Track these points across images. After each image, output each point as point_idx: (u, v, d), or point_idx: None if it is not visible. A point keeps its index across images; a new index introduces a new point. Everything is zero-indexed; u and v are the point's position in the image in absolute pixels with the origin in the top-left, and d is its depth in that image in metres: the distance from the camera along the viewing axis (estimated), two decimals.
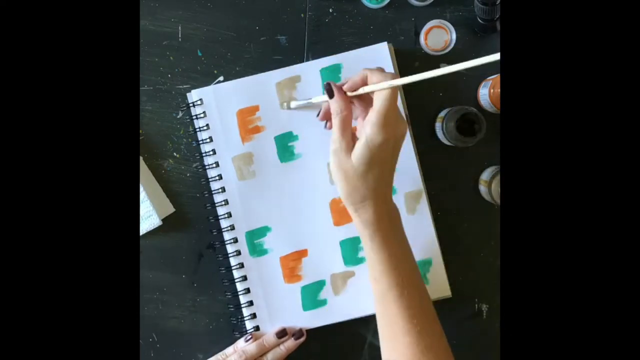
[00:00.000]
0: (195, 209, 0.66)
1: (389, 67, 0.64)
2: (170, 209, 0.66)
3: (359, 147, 0.52)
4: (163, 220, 0.65)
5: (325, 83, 0.56)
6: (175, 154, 0.66)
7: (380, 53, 0.64)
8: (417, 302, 0.55)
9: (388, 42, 0.65)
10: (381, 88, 0.52)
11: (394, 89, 0.51)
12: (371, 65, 0.64)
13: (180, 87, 0.66)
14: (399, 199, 0.64)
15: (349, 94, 0.55)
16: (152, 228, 0.64)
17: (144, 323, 0.66)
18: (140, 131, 0.66)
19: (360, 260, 0.65)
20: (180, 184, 0.66)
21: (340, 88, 0.55)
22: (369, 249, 0.55)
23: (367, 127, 0.52)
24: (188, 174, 0.66)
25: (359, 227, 0.55)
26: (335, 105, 0.55)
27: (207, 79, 0.66)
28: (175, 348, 0.66)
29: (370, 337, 0.66)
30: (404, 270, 0.55)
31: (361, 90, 0.54)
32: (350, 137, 0.54)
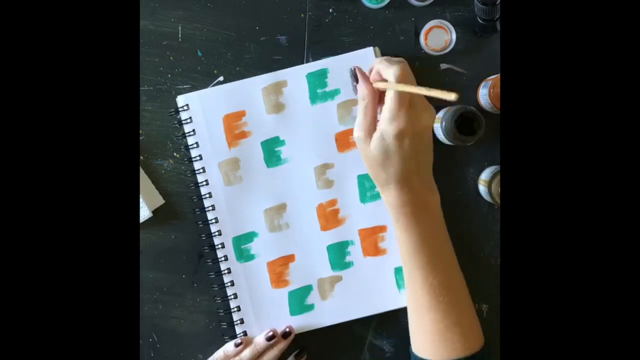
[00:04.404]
0: (195, 210, 0.66)
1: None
2: (159, 200, 0.66)
3: (375, 138, 0.55)
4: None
5: (352, 67, 0.59)
6: (175, 154, 0.66)
7: (367, 58, 0.64)
8: (444, 280, 0.58)
9: (374, 47, 0.65)
10: (383, 87, 0.54)
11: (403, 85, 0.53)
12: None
13: (181, 87, 0.66)
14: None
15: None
16: (143, 220, 0.65)
17: (144, 323, 0.66)
18: (140, 131, 0.66)
19: (347, 265, 0.65)
20: (180, 184, 0.66)
21: (364, 75, 0.57)
22: (395, 229, 0.59)
23: (380, 121, 0.54)
24: (188, 174, 0.66)
25: (386, 206, 0.59)
26: (359, 91, 0.57)
27: (207, 79, 0.66)
28: (175, 348, 0.66)
29: (370, 337, 0.66)
30: (430, 251, 0.57)
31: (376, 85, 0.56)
32: (370, 125, 0.56)
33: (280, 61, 0.66)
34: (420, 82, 0.66)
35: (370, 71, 0.59)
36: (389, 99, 0.53)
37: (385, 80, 0.55)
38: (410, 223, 0.57)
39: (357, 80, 0.58)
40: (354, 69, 0.58)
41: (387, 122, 0.53)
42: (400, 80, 0.53)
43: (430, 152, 0.57)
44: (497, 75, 0.62)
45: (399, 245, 0.59)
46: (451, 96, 0.44)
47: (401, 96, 0.53)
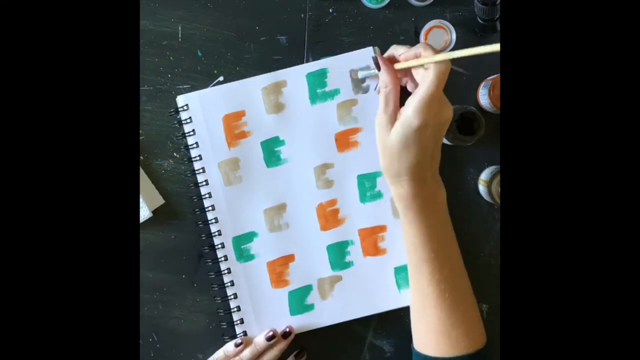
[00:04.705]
0: (195, 210, 0.66)
1: (375, 71, 0.64)
2: (159, 200, 0.66)
3: (397, 127, 0.54)
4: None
5: (373, 56, 0.58)
6: (175, 154, 0.66)
7: (367, 58, 0.64)
8: (449, 276, 0.58)
9: (374, 47, 0.65)
10: (415, 64, 0.54)
11: (440, 77, 0.52)
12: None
13: (181, 87, 0.66)
14: (385, 203, 0.65)
15: (396, 66, 0.56)
16: (143, 220, 0.65)
17: (144, 323, 0.66)
18: (140, 131, 0.66)
19: (347, 265, 0.65)
20: (180, 184, 0.66)
21: (386, 62, 0.57)
22: (402, 222, 0.59)
23: (407, 109, 0.54)
24: (188, 174, 0.66)
25: (394, 199, 0.59)
26: (382, 78, 0.57)
27: (207, 79, 0.66)
28: (175, 348, 0.66)
29: (370, 337, 0.66)
30: (436, 246, 0.57)
31: (403, 65, 0.56)
32: (392, 113, 0.56)
33: (280, 61, 0.66)
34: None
35: (392, 56, 0.58)
36: (423, 89, 0.52)
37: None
38: (420, 216, 0.57)
39: (378, 68, 0.57)
40: (375, 57, 0.58)
41: (415, 113, 0.52)
42: (439, 61, 0.52)
43: (440, 147, 0.58)
44: (497, 75, 0.62)
45: (405, 238, 0.59)
46: (496, 47, 0.43)
47: (436, 87, 0.52)
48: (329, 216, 0.65)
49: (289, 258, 0.65)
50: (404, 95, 0.58)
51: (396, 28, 0.66)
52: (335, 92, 0.65)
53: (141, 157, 0.66)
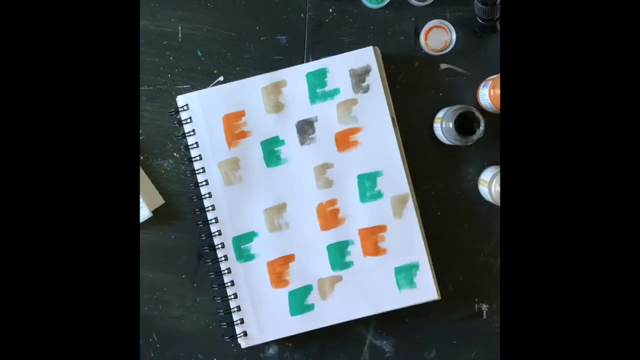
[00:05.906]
0: (195, 210, 0.66)
1: (375, 71, 0.64)
2: (159, 200, 0.66)
3: None
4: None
5: None
6: (175, 154, 0.66)
7: (366, 57, 0.64)
8: None
9: (374, 46, 0.65)
10: None
11: None
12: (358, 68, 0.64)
13: (181, 87, 0.66)
14: (386, 203, 0.65)
15: None
16: (143, 220, 0.65)
17: (144, 323, 0.66)
18: (140, 131, 0.66)
19: (348, 265, 0.65)
20: (180, 184, 0.66)
21: None
22: None
23: None
24: (188, 174, 0.66)
25: None
26: None
27: (207, 79, 0.66)
28: (175, 348, 0.66)
29: (370, 337, 0.66)
30: None
31: None
32: None
33: (280, 61, 0.66)
34: (420, 82, 0.66)
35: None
36: None
37: None
38: None
39: None
40: None
41: None
42: None
43: None
44: (497, 75, 0.62)
45: None
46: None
47: None
48: (329, 216, 0.65)
49: (289, 258, 0.65)
50: None
51: (396, 28, 0.66)
52: (335, 92, 0.65)
53: (141, 157, 0.66)
